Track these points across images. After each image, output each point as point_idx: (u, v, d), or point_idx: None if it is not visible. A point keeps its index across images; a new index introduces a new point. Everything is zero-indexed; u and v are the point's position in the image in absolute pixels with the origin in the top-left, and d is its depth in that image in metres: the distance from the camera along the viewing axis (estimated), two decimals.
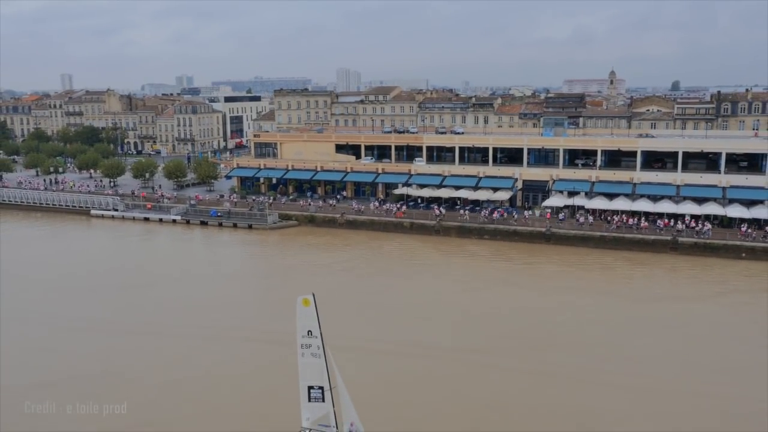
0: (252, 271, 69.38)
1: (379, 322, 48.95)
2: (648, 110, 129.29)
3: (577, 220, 74.74)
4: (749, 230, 68.84)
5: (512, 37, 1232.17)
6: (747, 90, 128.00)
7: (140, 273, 65.74)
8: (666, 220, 72.67)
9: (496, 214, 78.10)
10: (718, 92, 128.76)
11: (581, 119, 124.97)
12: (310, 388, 30.77)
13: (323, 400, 30.72)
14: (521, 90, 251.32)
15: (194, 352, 44.70)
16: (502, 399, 37.17)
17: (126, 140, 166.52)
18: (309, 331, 29.78)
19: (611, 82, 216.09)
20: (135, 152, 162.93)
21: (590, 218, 74.95)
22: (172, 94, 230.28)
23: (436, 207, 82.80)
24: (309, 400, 30.90)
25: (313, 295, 29.57)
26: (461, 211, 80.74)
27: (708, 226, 69.69)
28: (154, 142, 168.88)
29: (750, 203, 72.94)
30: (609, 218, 74.74)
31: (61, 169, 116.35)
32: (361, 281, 61.80)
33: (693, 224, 70.81)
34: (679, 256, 67.32)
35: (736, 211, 71.40)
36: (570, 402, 36.55)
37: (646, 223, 72.41)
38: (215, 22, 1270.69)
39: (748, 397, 36.80)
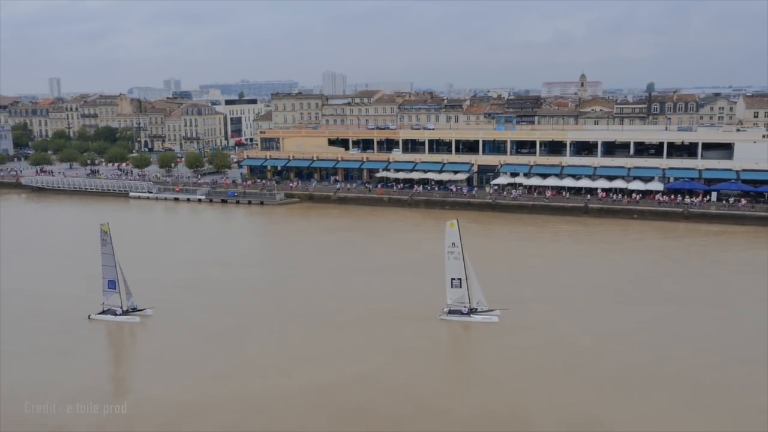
0: (293, 231, 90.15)
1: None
2: (592, 110, 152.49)
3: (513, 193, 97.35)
4: (637, 198, 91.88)
5: (495, 40, 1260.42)
6: (674, 92, 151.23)
7: (212, 230, 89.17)
8: (553, 191, 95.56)
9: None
10: (650, 94, 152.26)
11: (537, 117, 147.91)
12: (452, 279, 50.41)
13: (460, 287, 50.42)
14: (499, 92, 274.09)
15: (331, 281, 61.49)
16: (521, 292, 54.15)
17: (138, 139, 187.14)
18: (453, 243, 50.18)
19: (582, 85, 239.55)
20: (146, 150, 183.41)
21: (520, 192, 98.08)
22: (176, 97, 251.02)
23: (381, 186, 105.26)
24: (451, 287, 50.65)
25: (457, 221, 49.68)
26: (429, 188, 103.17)
27: (714, 198, 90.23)
28: (164, 140, 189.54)
29: (648, 179, 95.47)
30: (539, 192, 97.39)
31: (97, 161, 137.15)
32: (384, 236, 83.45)
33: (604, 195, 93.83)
34: (590, 218, 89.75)
35: (635, 185, 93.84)
36: (515, 294, 56.15)
37: (550, 190, 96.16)
38: (204, 25, 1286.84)
39: (636, 292, 57.18)
